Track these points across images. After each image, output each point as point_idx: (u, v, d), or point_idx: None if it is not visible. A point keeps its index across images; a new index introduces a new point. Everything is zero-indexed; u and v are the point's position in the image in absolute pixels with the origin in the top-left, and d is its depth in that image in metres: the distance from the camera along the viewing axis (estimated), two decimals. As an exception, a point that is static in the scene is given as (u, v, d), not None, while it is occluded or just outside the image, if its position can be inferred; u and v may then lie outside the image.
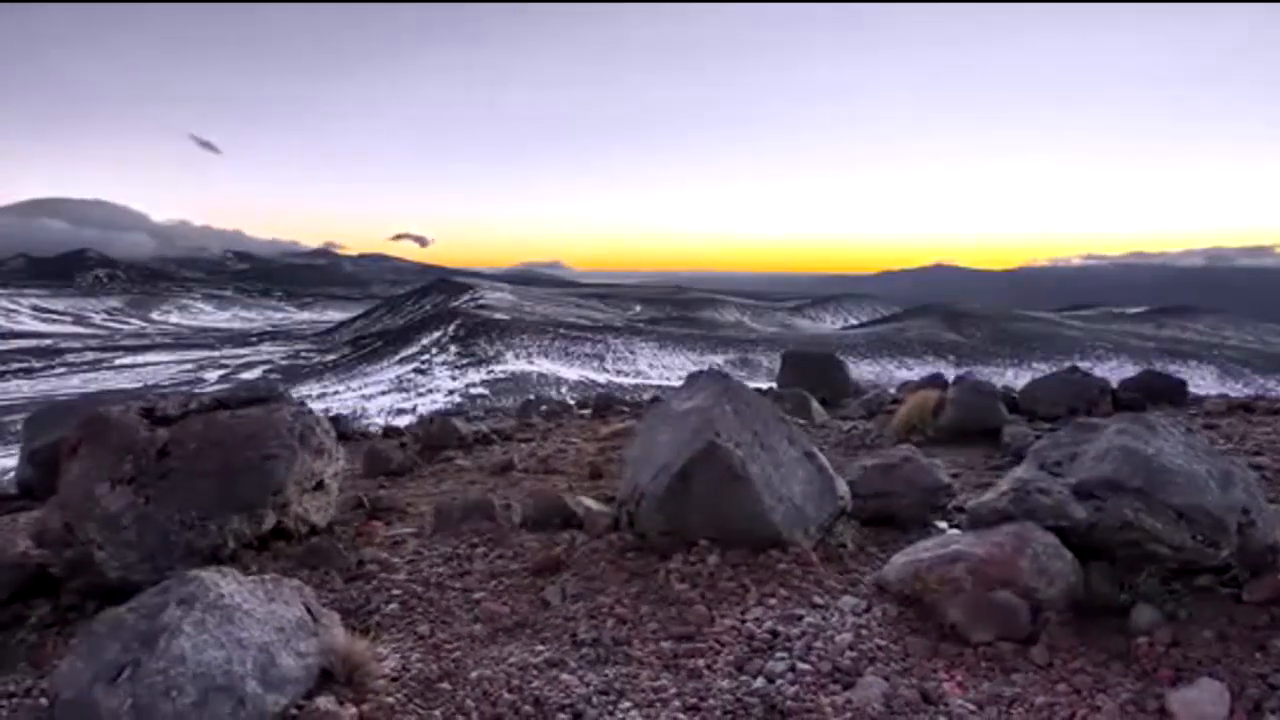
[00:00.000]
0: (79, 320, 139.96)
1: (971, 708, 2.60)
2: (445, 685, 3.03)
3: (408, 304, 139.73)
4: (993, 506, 3.57)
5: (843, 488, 4.61)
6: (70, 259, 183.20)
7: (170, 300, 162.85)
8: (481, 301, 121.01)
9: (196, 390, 6.23)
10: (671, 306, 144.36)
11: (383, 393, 74.05)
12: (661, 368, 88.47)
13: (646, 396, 15.20)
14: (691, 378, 5.15)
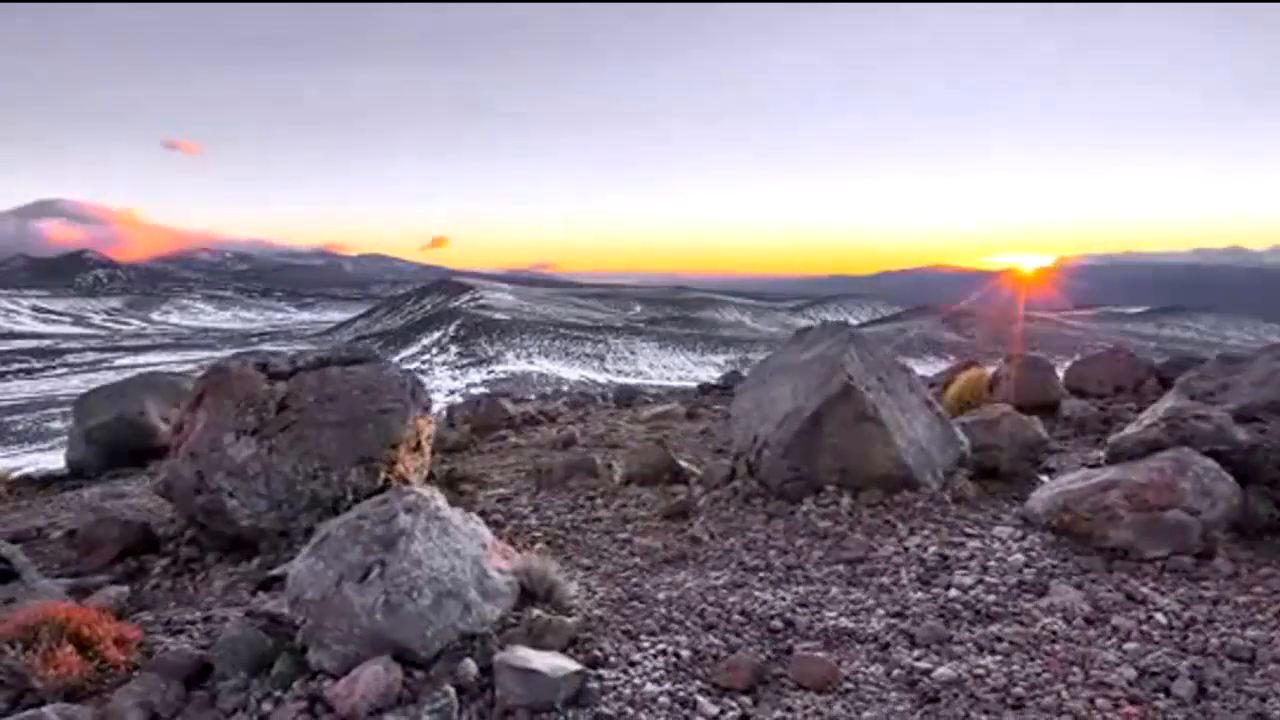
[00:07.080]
0: (79, 321, 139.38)
1: (1178, 606, 2.71)
2: (637, 604, 3.12)
3: (408, 304, 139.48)
4: (1139, 439, 3.68)
5: (962, 435, 4.71)
6: (70, 259, 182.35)
7: (170, 300, 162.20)
8: (482, 302, 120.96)
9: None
10: (671, 306, 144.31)
11: (385, 392, 73.74)
12: (661, 368, 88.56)
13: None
14: (800, 332, 5.24)
